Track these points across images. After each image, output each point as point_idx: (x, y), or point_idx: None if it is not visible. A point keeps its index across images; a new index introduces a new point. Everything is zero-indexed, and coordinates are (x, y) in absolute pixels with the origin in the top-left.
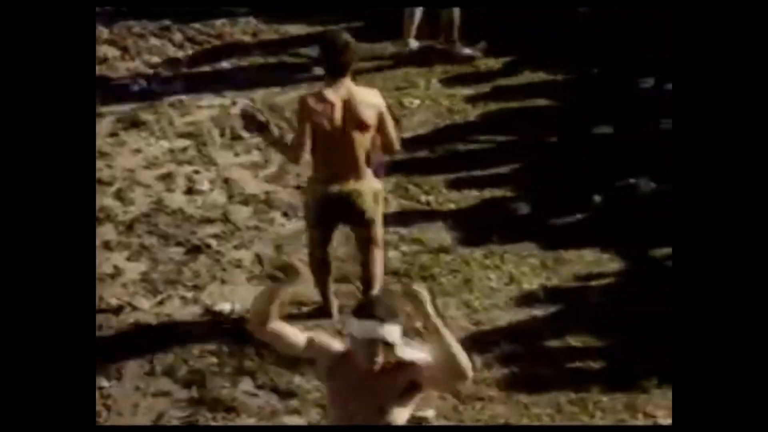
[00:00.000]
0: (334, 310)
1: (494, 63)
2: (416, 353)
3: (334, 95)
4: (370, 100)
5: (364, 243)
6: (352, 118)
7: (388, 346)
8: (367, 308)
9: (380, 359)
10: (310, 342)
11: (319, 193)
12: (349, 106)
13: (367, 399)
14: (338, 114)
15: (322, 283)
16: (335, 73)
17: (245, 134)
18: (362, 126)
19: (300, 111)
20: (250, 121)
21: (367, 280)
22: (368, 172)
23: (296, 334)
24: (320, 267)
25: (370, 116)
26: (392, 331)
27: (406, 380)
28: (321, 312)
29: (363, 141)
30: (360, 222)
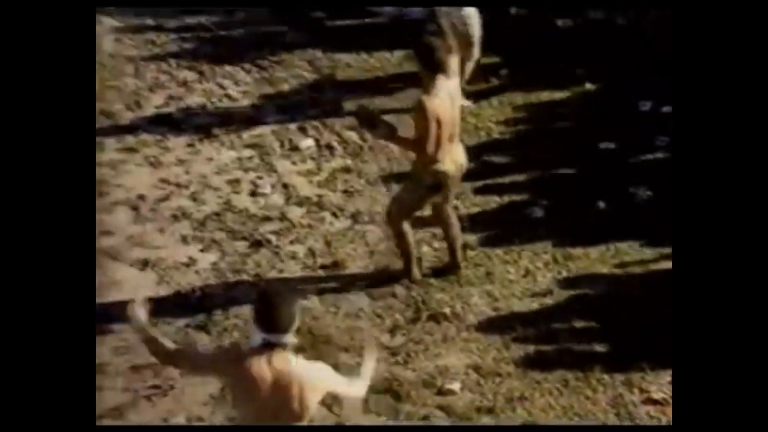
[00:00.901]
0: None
1: (513, 87)
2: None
3: (443, 95)
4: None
5: (449, 208)
6: (456, 108)
7: (284, 352)
8: (271, 320)
9: (279, 364)
10: (215, 354)
11: (433, 171)
12: (454, 99)
13: (269, 400)
14: (449, 107)
15: (409, 249)
16: (434, 70)
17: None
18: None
19: (424, 111)
20: (366, 119)
21: (453, 237)
22: None
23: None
24: (408, 234)
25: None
26: (289, 339)
27: (301, 387)
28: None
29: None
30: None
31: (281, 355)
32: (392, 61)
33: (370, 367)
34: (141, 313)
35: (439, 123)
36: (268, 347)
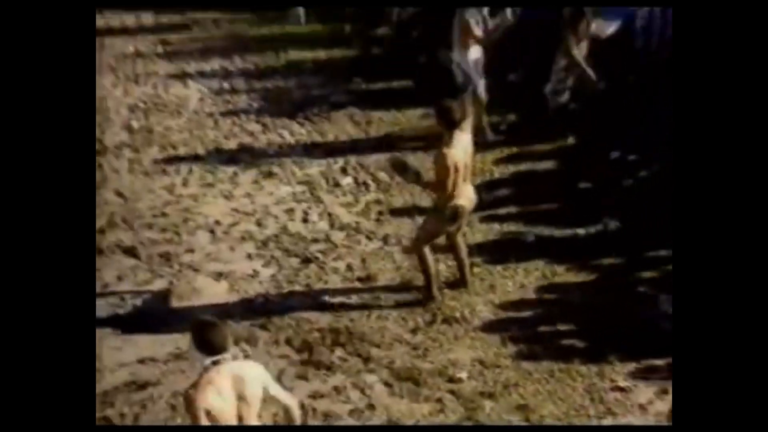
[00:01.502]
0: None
1: (511, 139)
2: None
3: (459, 146)
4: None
5: (459, 236)
6: (468, 156)
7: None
8: (212, 346)
9: (226, 373)
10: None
11: (452, 206)
12: (467, 150)
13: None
14: (463, 156)
15: (430, 268)
16: (451, 127)
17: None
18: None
19: (444, 160)
20: (398, 166)
21: (462, 258)
22: None
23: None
24: (429, 257)
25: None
26: (229, 354)
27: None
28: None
29: None
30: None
31: (226, 365)
32: (416, 116)
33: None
34: None
35: (455, 169)
36: (215, 364)
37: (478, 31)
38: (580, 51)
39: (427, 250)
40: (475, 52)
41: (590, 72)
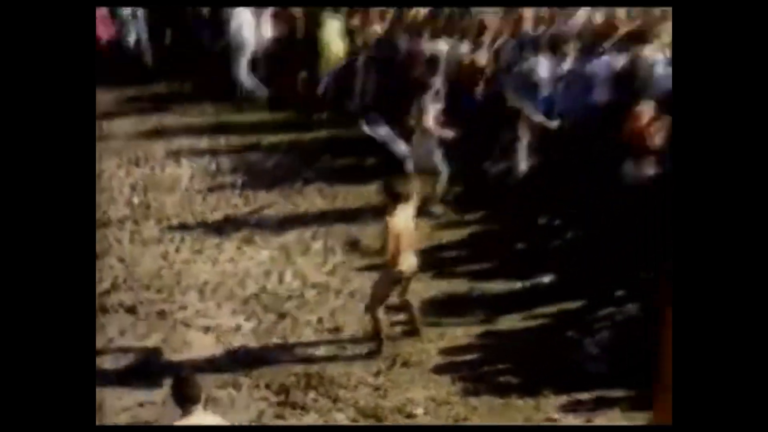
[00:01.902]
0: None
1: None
2: None
3: (402, 217)
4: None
5: (406, 295)
6: (411, 226)
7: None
8: (189, 398)
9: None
10: None
11: (396, 271)
12: (409, 220)
13: None
14: (406, 226)
15: (381, 329)
16: (395, 200)
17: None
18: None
19: (389, 229)
20: (352, 245)
21: (413, 313)
22: None
23: None
24: (380, 318)
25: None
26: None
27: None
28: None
29: None
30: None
31: (195, 416)
32: (375, 190)
33: None
34: None
35: (399, 237)
36: (187, 414)
37: (430, 120)
38: (522, 136)
39: (381, 313)
40: (434, 135)
41: (525, 153)
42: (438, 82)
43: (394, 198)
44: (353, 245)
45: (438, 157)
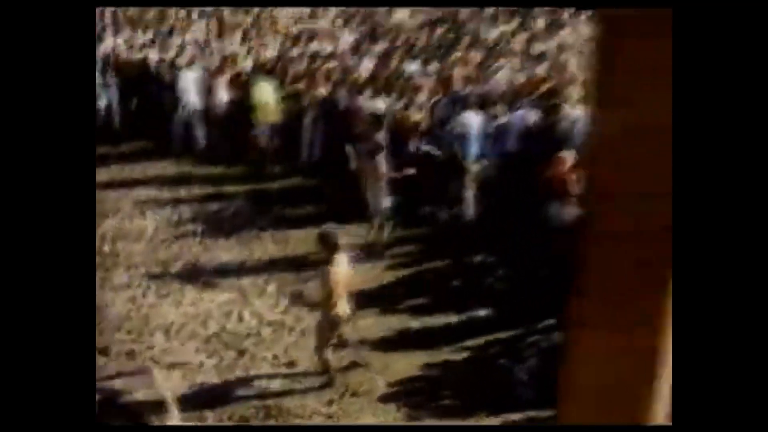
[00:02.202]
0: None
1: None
2: None
3: (339, 266)
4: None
5: (345, 335)
6: (347, 274)
7: None
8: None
9: None
10: None
11: (332, 315)
12: (346, 269)
13: None
14: (344, 274)
15: (330, 366)
16: (330, 251)
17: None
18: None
19: (327, 277)
20: (296, 296)
21: (357, 350)
22: None
23: None
24: (328, 362)
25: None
26: None
27: None
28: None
29: None
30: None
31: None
32: None
33: None
34: None
35: (336, 285)
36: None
37: (382, 169)
38: (467, 188)
39: (328, 353)
40: (381, 183)
41: (471, 200)
42: (381, 135)
43: (331, 249)
44: (297, 297)
45: (386, 202)
